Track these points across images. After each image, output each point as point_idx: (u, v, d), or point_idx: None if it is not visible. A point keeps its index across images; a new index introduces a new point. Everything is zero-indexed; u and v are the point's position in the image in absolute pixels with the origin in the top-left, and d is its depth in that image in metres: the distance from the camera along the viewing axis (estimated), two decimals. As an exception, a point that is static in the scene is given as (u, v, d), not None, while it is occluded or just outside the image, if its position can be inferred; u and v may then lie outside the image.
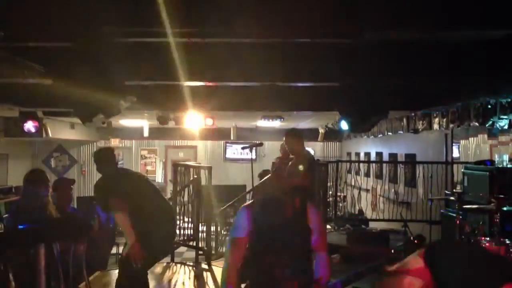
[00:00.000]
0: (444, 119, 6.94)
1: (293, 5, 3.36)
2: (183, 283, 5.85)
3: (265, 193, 2.96)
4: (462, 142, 8.32)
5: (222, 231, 9.03)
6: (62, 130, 11.56)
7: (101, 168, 4.44)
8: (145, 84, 5.27)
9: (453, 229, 5.57)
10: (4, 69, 4.36)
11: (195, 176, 7.40)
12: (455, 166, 7.91)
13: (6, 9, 3.31)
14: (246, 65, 4.68)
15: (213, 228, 7.75)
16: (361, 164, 12.46)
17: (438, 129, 7.33)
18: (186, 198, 7.72)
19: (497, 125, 5.66)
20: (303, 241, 2.86)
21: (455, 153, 8.33)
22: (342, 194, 11.64)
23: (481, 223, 5.04)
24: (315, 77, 5.08)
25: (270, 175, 3.39)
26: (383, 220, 9.08)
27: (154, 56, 4.38)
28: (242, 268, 2.94)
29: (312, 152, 11.75)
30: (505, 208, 4.59)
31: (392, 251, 2.25)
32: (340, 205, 11.44)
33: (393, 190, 10.15)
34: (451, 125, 6.80)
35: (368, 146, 12.93)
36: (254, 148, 5.31)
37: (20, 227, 1.49)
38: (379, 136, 10.55)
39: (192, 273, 6.30)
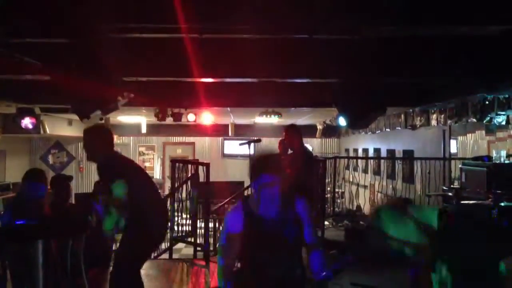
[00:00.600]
0: (442, 115, 6.95)
1: (292, 1, 3.36)
2: (181, 280, 5.86)
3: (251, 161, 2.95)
4: (460, 138, 8.33)
5: (220, 227, 9.04)
6: (60, 127, 11.55)
7: (96, 149, 3.84)
8: (143, 80, 5.26)
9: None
10: (2, 65, 4.35)
11: (193, 173, 7.40)
12: (452, 162, 7.93)
13: (4, 5, 3.29)
14: (244, 61, 4.67)
15: (211, 225, 7.76)
16: (359, 160, 12.48)
17: (436, 125, 7.34)
18: (184, 195, 7.72)
19: (495, 121, 5.68)
20: (296, 235, 2.86)
21: (453, 149, 8.35)
22: (340, 190, 11.65)
23: (478, 218, 5.05)
24: (313, 74, 5.08)
25: None
26: (381, 216, 9.07)
27: (152, 52, 4.38)
28: (239, 267, 2.94)
29: (310, 148, 11.76)
30: (502, 204, 4.60)
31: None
32: (338, 201, 11.45)
33: (391, 186, 10.16)
34: (449, 121, 6.81)
35: (366, 142, 12.94)
36: (252, 144, 5.31)
37: (18, 223, 1.49)
38: (377, 132, 10.56)
39: (190, 270, 6.31)
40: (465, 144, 8.19)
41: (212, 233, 7.85)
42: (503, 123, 5.66)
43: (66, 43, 3.64)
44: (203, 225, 7.15)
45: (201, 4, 3.36)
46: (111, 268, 4.03)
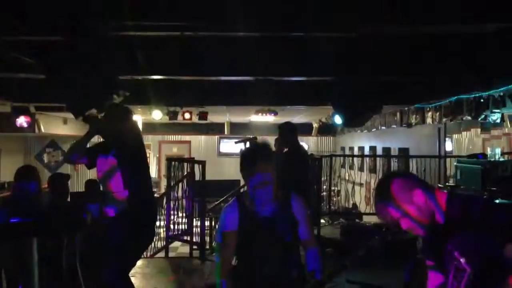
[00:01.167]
0: (437, 113, 6.98)
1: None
2: (178, 278, 5.85)
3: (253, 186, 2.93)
4: (455, 136, 8.37)
5: (216, 225, 9.03)
6: (55, 126, 11.50)
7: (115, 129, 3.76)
8: (139, 78, 5.25)
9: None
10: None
11: (189, 171, 7.40)
12: (448, 160, 7.96)
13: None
14: (239, 59, 4.67)
15: (207, 223, 7.76)
16: (355, 158, 12.49)
17: (431, 123, 7.37)
18: (180, 193, 7.71)
19: (490, 119, 5.70)
20: (291, 234, 2.85)
21: (448, 147, 8.38)
22: (336, 188, 11.67)
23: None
24: (309, 72, 5.08)
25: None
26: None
27: (147, 51, 4.37)
28: (236, 265, 2.94)
29: (306, 146, 11.78)
30: (497, 201, 4.63)
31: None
32: (334, 199, 11.47)
33: (386, 184, 10.16)
34: (444, 119, 6.84)
35: (362, 141, 12.96)
36: (247, 142, 5.30)
37: (12, 221, 1.49)
38: (373, 130, 10.59)
39: (187, 268, 6.30)
40: (460, 142, 8.22)
41: (208, 231, 7.85)
42: (498, 120, 5.68)
43: (61, 41, 3.63)
44: (199, 223, 7.15)
45: (197, 2, 3.35)
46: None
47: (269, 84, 6.00)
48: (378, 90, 5.15)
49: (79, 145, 3.94)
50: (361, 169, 12.19)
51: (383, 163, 10.74)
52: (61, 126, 11.92)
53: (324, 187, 9.87)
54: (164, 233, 7.60)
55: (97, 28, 3.38)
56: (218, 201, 9.10)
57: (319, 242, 3.03)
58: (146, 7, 3.31)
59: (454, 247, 1.94)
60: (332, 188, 10.18)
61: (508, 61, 4.39)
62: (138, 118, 11.98)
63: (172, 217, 7.59)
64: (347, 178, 11.21)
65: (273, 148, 5.87)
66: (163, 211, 7.52)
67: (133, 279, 4.52)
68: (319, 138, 15.91)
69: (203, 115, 9.32)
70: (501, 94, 5.32)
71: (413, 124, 7.97)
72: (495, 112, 5.57)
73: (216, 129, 14.30)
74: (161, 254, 7.53)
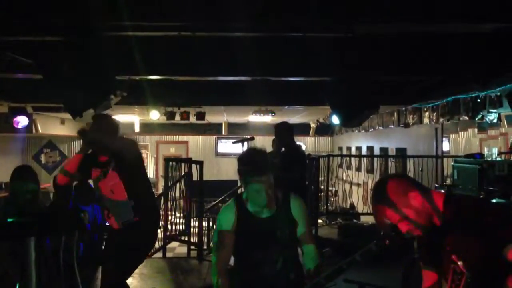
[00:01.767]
0: (434, 113, 7.00)
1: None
2: (175, 278, 5.85)
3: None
4: (452, 136, 8.38)
5: (214, 226, 9.02)
6: (52, 126, 11.48)
7: (104, 140, 3.73)
8: (136, 78, 5.25)
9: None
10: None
11: (187, 171, 7.39)
12: (445, 159, 7.97)
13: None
14: (237, 59, 4.67)
15: (204, 223, 7.76)
16: (352, 159, 12.50)
17: (428, 123, 7.39)
18: (177, 193, 7.71)
19: (487, 119, 5.72)
20: (289, 233, 2.85)
21: (445, 147, 8.39)
22: (333, 188, 11.68)
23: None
24: (306, 72, 5.09)
25: None
26: (374, 214, 9.10)
27: (145, 51, 4.36)
28: (233, 265, 2.94)
29: (303, 147, 11.77)
30: (494, 200, 4.64)
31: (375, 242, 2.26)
32: (332, 199, 11.48)
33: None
34: (441, 119, 6.85)
35: (359, 141, 12.98)
36: (245, 142, 5.30)
37: (9, 220, 1.49)
38: (370, 130, 10.61)
39: (184, 268, 6.30)
40: (457, 142, 8.24)
41: (205, 232, 7.85)
42: (495, 120, 5.70)
43: (59, 41, 3.62)
44: (196, 223, 7.15)
45: (195, 2, 3.35)
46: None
47: (266, 84, 6.00)
48: (376, 90, 5.16)
49: (71, 175, 3.93)
50: (358, 169, 12.20)
51: (380, 163, 10.75)
52: (59, 127, 11.91)
53: (322, 187, 9.87)
54: (162, 233, 7.59)
55: (95, 28, 3.38)
56: (216, 201, 9.09)
57: (316, 243, 3.02)
58: (144, 7, 3.31)
59: (451, 249, 1.94)
60: (330, 188, 10.19)
61: (504, 61, 4.41)
62: (136, 119, 11.99)
63: (169, 217, 7.59)
64: (344, 178, 11.22)
65: (272, 149, 5.90)
66: (160, 212, 7.51)
67: (131, 280, 4.54)
68: (316, 138, 15.93)
69: (200, 115, 9.34)
70: (498, 94, 5.34)
71: (411, 124, 7.99)
72: (492, 112, 5.59)
73: (213, 129, 14.31)
74: (159, 254, 7.52)
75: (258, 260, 2.81)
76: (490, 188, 4.89)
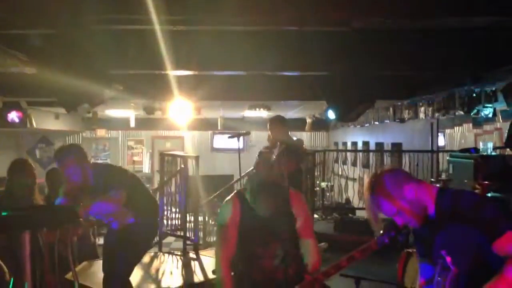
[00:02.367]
0: (430, 108, 7.01)
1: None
2: (171, 273, 5.85)
3: (251, 182, 2.94)
4: (448, 131, 8.41)
5: (210, 221, 9.03)
6: (47, 121, 11.42)
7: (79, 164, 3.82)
8: (131, 73, 5.22)
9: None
10: (-14, 58, 4.29)
11: (182, 166, 7.38)
12: (440, 154, 8.00)
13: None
14: (232, 53, 4.65)
15: (200, 218, 7.75)
16: (348, 154, 12.53)
17: (424, 118, 7.40)
18: (173, 188, 7.69)
19: (482, 114, 5.73)
20: (289, 228, 2.87)
21: (441, 142, 8.42)
22: (329, 183, 11.70)
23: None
24: (302, 66, 5.07)
25: (255, 162, 3.38)
26: (370, 208, 9.12)
27: (140, 44, 4.34)
28: (233, 260, 2.94)
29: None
30: (489, 194, 4.66)
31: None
32: (328, 194, 11.50)
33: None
34: (436, 114, 6.86)
35: (355, 136, 13.00)
36: (241, 137, 5.29)
37: (4, 214, 1.47)
38: (366, 125, 10.61)
39: (180, 263, 6.30)
40: (453, 137, 8.26)
41: (201, 226, 7.84)
42: (490, 115, 5.71)
43: (52, 35, 3.59)
44: (192, 218, 7.14)
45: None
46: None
47: (262, 79, 5.98)
48: (371, 85, 5.16)
49: None
50: (354, 164, 12.23)
51: (376, 158, 10.78)
52: (53, 121, 11.84)
53: (318, 182, 9.89)
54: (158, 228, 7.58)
55: (89, 21, 3.35)
56: (212, 196, 9.09)
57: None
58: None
59: (441, 243, 1.95)
60: (326, 183, 10.20)
61: (499, 56, 4.41)
62: (131, 114, 11.94)
63: (165, 212, 7.57)
64: (340, 173, 11.24)
65: (267, 144, 5.88)
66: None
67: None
68: (312, 133, 15.92)
69: (196, 110, 9.31)
70: (493, 89, 5.35)
71: (406, 119, 8.00)
72: (487, 107, 5.60)
73: (209, 124, 14.26)
74: (155, 249, 7.51)
75: (258, 254, 2.82)
76: (485, 182, 4.91)
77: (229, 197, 3.03)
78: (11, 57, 4.28)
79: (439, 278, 1.96)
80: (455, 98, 6.15)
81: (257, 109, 9.30)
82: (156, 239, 7.46)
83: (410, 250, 4.23)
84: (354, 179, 11.71)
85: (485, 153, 5.56)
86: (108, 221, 3.96)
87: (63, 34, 3.43)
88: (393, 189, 2.02)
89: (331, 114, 5.63)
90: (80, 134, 15.41)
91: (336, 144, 15.24)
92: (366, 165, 11.34)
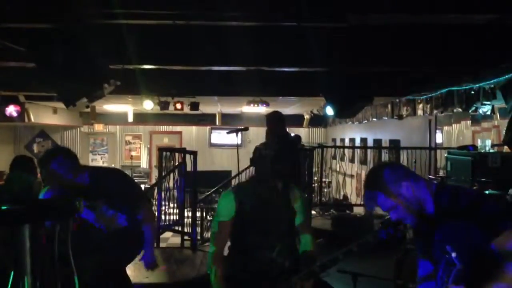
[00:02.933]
0: (428, 105, 7.01)
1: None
2: (169, 268, 5.86)
3: (250, 176, 2.96)
4: (446, 128, 8.42)
5: (208, 216, 9.05)
6: (45, 115, 11.41)
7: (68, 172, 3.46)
8: (130, 68, 5.21)
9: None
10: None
11: (180, 161, 7.38)
12: (438, 151, 8.01)
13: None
14: (231, 49, 4.65)
15: (198, 213, 7.76)
16: (345, 150, 12.54)
17: (422, 115, 7.40)
18: (171, 183, 7.70)
19: (480, 111, 5.73)
20: (288, 223, 2.88)
21: (439, 139, 8.43)
22: (327, 180, 11.71)
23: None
24: (300, 63, 5.07)
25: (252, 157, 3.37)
26: (367, 205, 9.15)
27: (139, 40, 4.33)
28: (229, 251, 2.96)
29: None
30: (487, 192, 4.68)
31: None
32: (325, 190, 11.52)
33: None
34: (434, 111, 6.87)
35: (353, 132, 13.01)
36: (239, 133, 5.30)
37: (3, 207, 1.47)
38: (364, 122, 10.62)
39: (178, 258, 6.31)
40: (451, 134, 8.28)
41: (199, 222, 7.85)
42: (488, 112, 5.72)
43: (51, 29, 3.59)
44: (190, 214, 7.15)
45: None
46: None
47: (260, 74, 5.98)
48: (370, 82, 5.16)
49: None
50: (352, 160, 12.24)
51: (374, 154, 10.79)
52: (51, 116, 11.84)
53: (315, 178, 9.90)
54: (156, 223, 7.59)
55: (88, 16, 3.35)
56: (210, 192, 9.10)
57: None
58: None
59: (444, 239, 1.95)
60: (323, 179, 10.22)
61: (498, 53, 4.41)
62: (129, 109, 11.93)
63: (163, 207, 7.58)
64: (338, 169, 11.25)
65: (265, 140, 5.89)
66: (154, 202, 7.51)
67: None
68: (310, 129, 15.94)
69: (194, 106, 9.33)
70: (492, 86, 5.36)
71: (404, 116, 8.01)
72: (485, 104, 5.61)
73: (207, 119, 14.26)
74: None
75: (255, 247, 2.83)
76: (483, 179, 4.92)
77: (226, 191, 3.05)
78: (10, 51, 4.27)
79: (442, 274, 1.97)
80: (454, 95, 6.15)
81: (255, 105, 9.29)
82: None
83: (407, 247, 4.24)
84: (351, 176, 11.73)
85: (483, 151, 5.57)
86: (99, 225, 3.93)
87: (63, 29, 3.43)
88: (391, 184, 2.03)
89: (329, 111, 5.65)
90: (78, 128, 15.40)
91: (334, 140, 15.25)
92: (364, 162, 11.35)
